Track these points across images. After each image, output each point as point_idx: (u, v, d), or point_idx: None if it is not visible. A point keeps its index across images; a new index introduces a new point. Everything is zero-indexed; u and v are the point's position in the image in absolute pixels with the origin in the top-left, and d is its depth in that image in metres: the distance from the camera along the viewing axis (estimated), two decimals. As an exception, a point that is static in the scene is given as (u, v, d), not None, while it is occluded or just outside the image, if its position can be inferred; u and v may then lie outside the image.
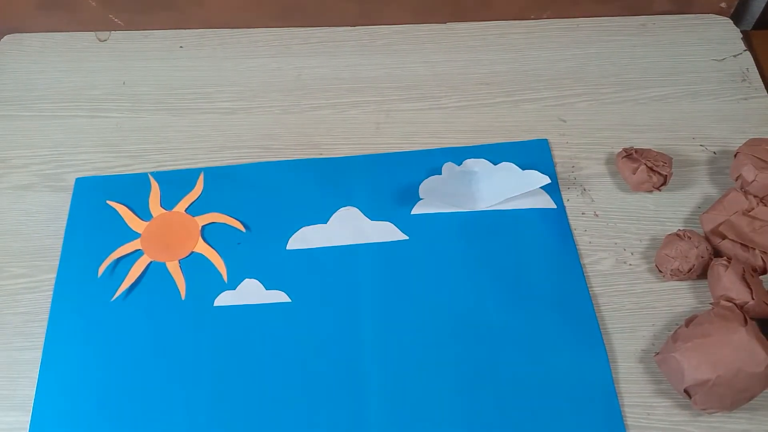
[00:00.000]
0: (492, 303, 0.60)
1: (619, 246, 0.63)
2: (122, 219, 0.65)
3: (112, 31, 0.79)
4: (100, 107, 0.73)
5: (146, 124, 0.72)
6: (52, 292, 0.61)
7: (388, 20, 0.79)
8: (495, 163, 0.67)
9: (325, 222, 0.64)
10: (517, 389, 0.56)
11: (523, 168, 0.66)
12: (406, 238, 0.63)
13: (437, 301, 0.60)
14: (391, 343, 0.58)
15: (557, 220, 0.64)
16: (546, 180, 0.63)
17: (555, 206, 0.65)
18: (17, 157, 0.70)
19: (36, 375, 0.57)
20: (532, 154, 0.68)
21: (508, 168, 0.66)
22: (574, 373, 0.56)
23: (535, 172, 0.64)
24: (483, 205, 0.65)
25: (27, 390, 0.57)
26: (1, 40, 0.79)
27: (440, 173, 0.67)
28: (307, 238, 0.63)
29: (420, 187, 0.65)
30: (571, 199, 0.66)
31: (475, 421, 0.55)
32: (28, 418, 0.55)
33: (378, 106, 0.73)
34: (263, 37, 0.79)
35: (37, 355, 0.58)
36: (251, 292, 0.61)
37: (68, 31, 0.79)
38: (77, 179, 0.67)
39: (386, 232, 0.64)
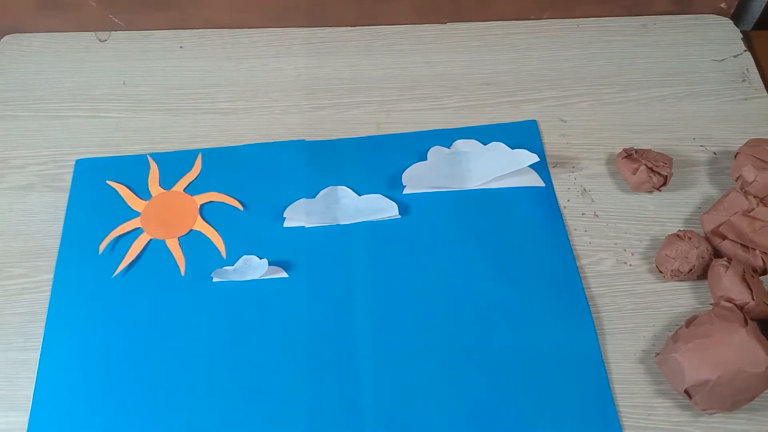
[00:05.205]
0: (483, 279, 0.61)
1: (620, 246, 0.63)
2: (122, 198, 0.66)
3: (112, 32, 0.79)
4: (100, 107, 0.73)
5: (146, 124, 0.72)
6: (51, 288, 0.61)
7: (388, 20, 0.79)
8: (485, 144, 0.68)
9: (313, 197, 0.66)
10: (507, 362, 0.57)
11: (513, 148, 0.67)
12: (398, 216, 0.64)
13: (429, 277, 0.61)
14: (383, 318, 0.59)
15: (546, 198, 0.66)
16: (535, 158, 0.65)
17: (543, 185, 0.66)
18: (17, 157, 0.70)
19: (35, 375, 0.57)
20: (521, 135, 0.70)
21: (498, 147, 0.67)
22: (563, 346, 0.58)
23: (524, 151, 0.66)
24: (473, 184, 0.66)
25: (27, 390, 0.57)
26: (1, 40, 0.79)
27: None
28: (298, 213, 0.64)
29: (403, 175, 0.66)
30: (571, 200, 0.66)
31: (465, 395, 0.56)
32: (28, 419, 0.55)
33: (379, 106, 0.73)
34: (264, 37, 0.79)
35: (37, 355, 0.58)
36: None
37: (68, 31, 0.79)
38: (77, 160, 0.68)
39: (377, 206, 0.65)
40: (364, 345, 0.58)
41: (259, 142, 0.70)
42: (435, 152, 0.68)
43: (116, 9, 0.77)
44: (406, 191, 0.66)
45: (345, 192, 0.66)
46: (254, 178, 0.67)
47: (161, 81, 0.75)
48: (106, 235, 0.64)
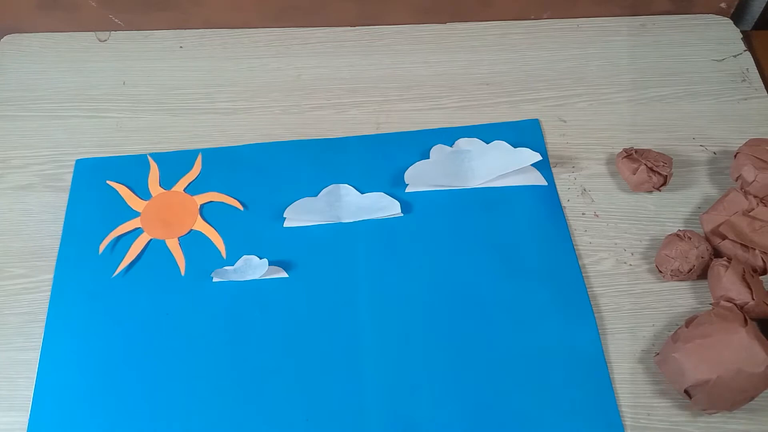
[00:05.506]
0: (485, 277, 0.61)
1: (620, 246, 0.63)
2: (122, 198, 0.66)
3: (112, 32, 0.79)
4: (100, 107, 0.73)
5: (146, 124, 0.72)
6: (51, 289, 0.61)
7: (388, 20, 0.79)
8: (487, 142, 0.68)
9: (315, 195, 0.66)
10: (510, 361, 0.57)
11: (515, 147, 0.67)
12: (400, 214, 0.64)
13: (431, 276, 0.61)
14: (385, 316, 0.59)
15: (548, 197, 0.66)
16: (537, 157, 0.65)
17: (546, 183, 0.66)
18: (17, 157, 0.70)
19: (36, 375, 0.57)
20: (524, 134, 0.70)
21: (500, 146, 0.68)
22: (565, 345, 0.58)
23: (526, 150, 0.66)
24: (476, 183, 0.66)
25: (26, 390, 0.57)
26: (1, 40, 0.79)
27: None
28: (300, 211, 0.64)
29: (405, 173, 0.66)
30: (571, 200, 0.66)
31: (467, 394, 0.56)
32: (28, 419, 0.55)
33: (378, 106, 0.73)
34: (263, 37, 0.79)
35: (37, 355, 0.58)
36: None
37: (68, 31, 0.79)
38: (77, 160, 0.69)
39: (380, 204, 0.65)
40: (365, 344, 0.58)
41: (259, 142, 0.70)
42: (438, 150, 0.68)
43: (116, 9, 0.77)
44: (408, 189, 0.66)
45: (347, 190, 0.66)
46: (254, 178, 0.67)
47: (161, 81, 0.75)
48: (106, 235, 0.64)
